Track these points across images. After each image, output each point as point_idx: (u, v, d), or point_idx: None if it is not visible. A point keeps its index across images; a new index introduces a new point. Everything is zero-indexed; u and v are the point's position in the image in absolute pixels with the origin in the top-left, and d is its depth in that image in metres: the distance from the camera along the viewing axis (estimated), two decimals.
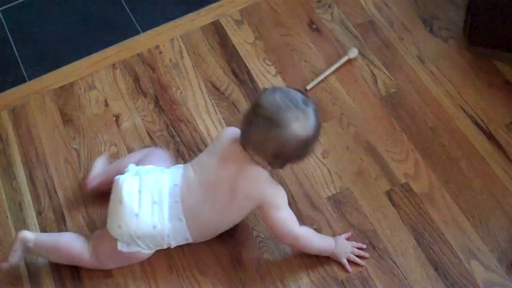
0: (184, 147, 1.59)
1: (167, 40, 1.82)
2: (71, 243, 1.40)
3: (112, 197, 1.36)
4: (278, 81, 1.70)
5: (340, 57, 1.71)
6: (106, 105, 1.70)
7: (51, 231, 1.49)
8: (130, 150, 1.60)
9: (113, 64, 1.79)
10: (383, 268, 1.37)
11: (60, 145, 1.64)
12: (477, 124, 1.56)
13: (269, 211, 1.32)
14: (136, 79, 1.75)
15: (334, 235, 1.42)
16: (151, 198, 1.32)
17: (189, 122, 1.64)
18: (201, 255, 1.41)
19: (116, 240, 1.33)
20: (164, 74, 1.75)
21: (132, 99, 1.71)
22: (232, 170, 1.30)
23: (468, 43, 1.69)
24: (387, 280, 1.35)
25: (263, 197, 1.31)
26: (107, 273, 1.41)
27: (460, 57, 1.70)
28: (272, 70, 1.73)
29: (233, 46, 1.79)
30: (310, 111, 1.26)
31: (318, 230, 1.43)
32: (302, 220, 1.44)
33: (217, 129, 1.62)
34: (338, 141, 1.56)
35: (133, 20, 1.90)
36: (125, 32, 1.87)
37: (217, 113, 1.65)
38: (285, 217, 1.33)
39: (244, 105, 1.66)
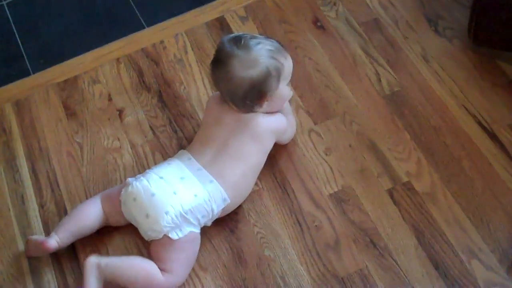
0: (187, 142, 1.59)
1: (172, 36, 1.82)
2: (146, 264, 1.34)
3: (136, 204, 1.34)
4: None
5: (344, 56, 1.72)
6: (110, 99, 1.70)
7: (53, 224, 1.49)
8: (133, 145, 1.61)
9: (117, 59, 1.79)
10: (384, 266, 1.37)
11: (63, 138, 1.64)
12: (480, 124, 1.56)
13: (280, 137, 1.49)
14: (140, 74, 1.75)
15: (336, 233, 1.42)
16: (176, 177, 1.36)
17: (192, 117, 1.64)
18: (202, 250, 1.41)
19: (166, 236, 1.31)
20: (168, 69, 1.75)
21: (136, 93, 1.71)
22: (229, 127, 1.40)
23: (472, 43, 1.69)
24: (387, 278, 1.35)
25: (271, 133, 1.43)
26: None
27: (464, 57, 1.70)
28: None
29: None
30: (261, 51, 1.35)
31: (319, 227, 1.43)
32: (303, 216, 1.45)
33: None
34: (340, 139, 1.56)
35: (138, 15, 1.90)
36: (130, 26, 1.87)
37: None
38: (287, 135, 1.52)
39: None
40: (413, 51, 1.72)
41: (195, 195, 1.34)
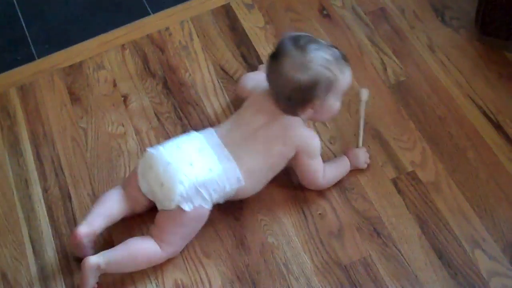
0: (191, 129, 1.59)
1: (177, 22, 1.82)
2: (141, 244, 1.35)
3: (151, 172, 1.35)
4: None
5: (350, 45, 1.71)
6: (115, 85, 1.70)
7: (57, 208, 1.49)
8: (137, 131, 1.61)
9: (123, 45, 1.79)
10: (387, 255, 1.37)
11: (67, 123, 1.64)
12: (485, 114, 1.55)
13: (303, 158, 1.40)
14: (145, 60, 1.75)
15: (340, 222, 1.42)
16: (194, 148, 1.36)
17: (197, 104, 1.64)
18: (205, 236, 1.41)
19: (177, 208, 1.31)
20: (173, 56, 1.75)
21: (141, 80, 1.71)
22: (266, 119, 1.38)
23: (479, 33, 1.68)
24: (390, 267, 1.35)
25: (300, 143, 1.38)
26: None
27: (471, 47, 1.69)
28: None
29: (243, 30, 1.78)
30: (316, 57, 1.32)
31: (323, 215, 1.43)
32: (307, 204, 1.45)
33: (224, 112, 1.62)
34: (345, 128, 1.56)
35: (144, 1, 1.89)
36: (135, 13, 1.87)
37: (225, 97, 1.65)
38: (316, 167, 1.42)
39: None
40: (419, 41, 1.71)
41: (210, 169, 1.33)
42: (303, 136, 1.40)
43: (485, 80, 1.62)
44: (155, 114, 1.63)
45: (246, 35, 1.77)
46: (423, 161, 1.49)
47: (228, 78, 1.68)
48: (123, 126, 1.62)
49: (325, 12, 1.81)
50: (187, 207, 1.31)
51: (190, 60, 1.73)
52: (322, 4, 1.82)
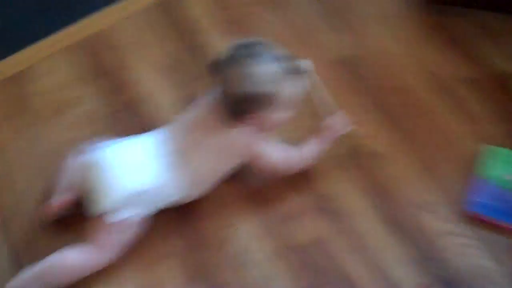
0: (145, 126, 1.60)
1: (119, 20, 1.81)
2: (66, 258, 1.32)
3: (89, 175, 1.34)
4: None
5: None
6: (63, 89, 1.70)
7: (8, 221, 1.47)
8: (91, 134, 1.58)
9: (66, 48, 1.78)
10: (339, 230, 1.41)
11: (15, 133, 1.63)
12: (436, 81, 1.56)
13: (258, 163, 1.41)
14: (92, 61, 1.75)
15: (290, 206, 1.44)
16: (138, 155, 1.35)
17: (146, 103, 1.65)
18: (161, 238, 1.42)
19: (104, 216, 1.31)
20: (118, 55, 1.75)
21: (86, 83, 1.71)
22: (216, 124, 1.35)
23: (426, 2, 1.67)
24: (344, 242, 1.39)
25: (249, 152, 1.39)
26: None
27: (419, 16, 1.71)
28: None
29: (186, 20, 1.77)
30: (261, 70, 1.28)
31: (274, 201, 1.45)
32: (257, 193, 1.47)
33: (174, 106, 1.63)
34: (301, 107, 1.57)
35: (84, 2, 1.87)
36: (76, 14, 1.84)
37: (173, 93, 1.66)
38: (275, 162, 1.42)
39: (201, 80, 1.66)
40: (368, 14, 1.71)
41: (150, 180, 1.33)
42: (251, 145, 1.39)
43: (435, 47, 1.65)
44: (106, 115, 1.64)
45: (190, 25, 1.76)
46: (373, 133, 1.52)
47: (175, 71, 1.69)
48: (73, 131, 1.62)
49: None
50: (114, 217, 1.31)
51: (135, 57, 1.73)
52: None
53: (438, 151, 1.47)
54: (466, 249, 1.36)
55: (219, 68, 1.33)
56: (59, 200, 1.40)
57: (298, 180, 1.48)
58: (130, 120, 1.63)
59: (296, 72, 1.33)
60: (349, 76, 1.60)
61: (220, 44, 1.71)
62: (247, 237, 1.43)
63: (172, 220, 1.45)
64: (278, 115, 1.36)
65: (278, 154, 1.42)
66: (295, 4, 1.75)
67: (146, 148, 1.38)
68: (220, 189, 1.47)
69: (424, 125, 1.51)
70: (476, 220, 1.39)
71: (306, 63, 1.50)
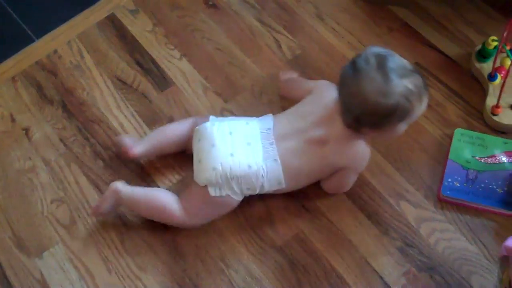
0: (101, 147, 1.56)
1: (65, 43, 1.77)
2: (162, 197, 1.39)
3: (198, 145, 1.37)
4: (184, 64, 1.68)
5: (241, 30, 1.71)
6: (13, 120, 1.64)
7: None
8: (46, 161, 1.55)
9: (13, 77, 1.72)
10: (318, 226, 1.39)
11: None
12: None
13: (345, 171, 1.36)
14: (40, 88, 1.69)
15: (266, 205, 1.42)
16: (244, 139, 1.35)
17: (102, 121, 1.60)
18: (138, 251, 1.39)
19: (206, 187, 1.32)
20: (67, 77, 1.70)
21: (39, 109, 1.65)
22: (325, 131, 1.32)
23: None
24: (324, 237, 1.37)
25: (352, 160, 1.34)
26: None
27: (357, 8, 1.73)
28: (176, 53, 1.70)
29: (133, 36, 1.75)
30: (398, 86, 1.21)
31: (250, 204, 1.42)
32: None
33: (131, 123, 1.59)
34: (253, 111, 1.54)
35: (25, 28, 1.83)
36: (19, 42, 1.80)
37: (128, 107, 1.62)
38: (352, 180, 1.40)
39: (153, 94, 1.63)
40: (307, 12, 1.73)
41: (249, 166, 1.31)
42: (359, 154, 1.34)
43: (377, 37, 1.66)
44: (61, 140, 1.58)
45: (137, 41, 1.74)
46: None
47: (127, 88, 1.65)
48: (30, 159, 1.56)
49: (210, 3, 1.80)
50: (213, 192, 1.32)
51: (85, 78, 1.69)
52: None
53: (409, 139, 1.48)
54: (446, 234, 1.36)
55: (349, 77, 1.26)
56: (144, 149, 1.46)
57: None
58: (88, 141, 1.57)
59: (426, 86, 1.27)
60: (299, 76, 1.60)
61: (167, 58, 1.69)
62: (224, 243, 1.39)
63: (145, 235, 1.41)
64: (402, 128, 1.29)
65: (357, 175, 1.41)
66: (235, 13, 1.75)
67: (255, 134, 1.36)
68: None
69: None
70: (452, 204, 1.39)
71: None
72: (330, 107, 1.32)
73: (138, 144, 1.46)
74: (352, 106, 1.26)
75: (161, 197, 1.39)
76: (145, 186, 1.45)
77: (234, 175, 1.31)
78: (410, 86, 1.22)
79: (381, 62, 1.23)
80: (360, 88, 1.23)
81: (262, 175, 1.32)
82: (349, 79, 1.26)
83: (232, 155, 1.32)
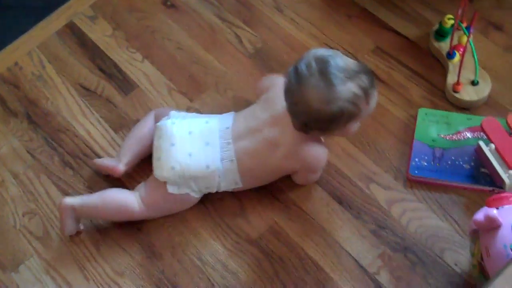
0: (69, 156, 1.55)
1: (25, 54, 1.75)
2: (119, 195, 1.39)
3: (158, 142, 1.37)
4: (147, 66, 1.67)
5: (201, 28, 1.71)
6: None
7: None
8: (15, 175, 1.54)
9: None
10: (292, 217, 1.39)
11: None
12: (348, 56, 1.59)
13: (304, 172, 1.38)
14: (3, 102, 1.67)
15: (239, 201, 1.43)
16: (202, 139, 1.35)
17: (68, 130, 1.59)
18: (113, 256, 1.39)
19: (165, 183, 1.34)
20: (30, 89, 1.68)
21: (3, 122, 1.63)
22: (277, 133, 1.33)
23: None
24: (298, 226, 1.38)
25: (306, 160, 1.34)
26: None
27: None
28: (138, 56, 1.70)
29: (93, 42, 1.74)
30: (342, 92, 1.19)
31: (222, 199, 1.43)
32: (205, 194, 1.43)
33: (98, 129, 1.58)
34: (219, 108, 1.56)
35: None
36: None
37: (93, 114, 1.61)
38: (314, 178, 1.42)
39: (118, 98, 1.62)
40: (266, 5, 1.74)
41: (207, 167, 1.33)
42: (310, 157, 1.34)
43: (337, 25, 1.67)
44: (28, 152, 1.57)
45: (97, 46, 1.73)
46: None
47: (91, 95, 1.64)
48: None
49: (169, 3, 1.79)
50: (172, 189, 1.34)
51: (48, 88, 1.67)
52: None
53: (374, 122, 1.49)
54: (418, 213, 1.37)
55: (292, 84, 1.25)
56: (126, 162, 1.44)
57: None
58: (56, 150, 1.56)
59: (373, 84, 1.25)
60: (261, 69, 1.61)
61: (129, 61, 1.69)
62: (200, 241, 1.39)
63: (119, 238, 1.41)
64: (351, 128, 1.30)
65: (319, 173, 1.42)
66: (193, 11, 1.75)
67: (213, 134, 1.37)
68: None
69: None
70: (421, 183, 1.40)
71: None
72: (284, 107, 1.30)
73: (118, 160, 1.44)
74: (298, 113, 1.26)
75: (118, 196, 1.39)
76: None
77: (192, 175, 1.33)
78: (354, 89, 1.21)
79: (323, 67, 1.20)
80: (303, 97, 1.22)
81: (219, 176, 1.34)
82: (292, 86, 1.25)
83: (190, 155, 1.33)
